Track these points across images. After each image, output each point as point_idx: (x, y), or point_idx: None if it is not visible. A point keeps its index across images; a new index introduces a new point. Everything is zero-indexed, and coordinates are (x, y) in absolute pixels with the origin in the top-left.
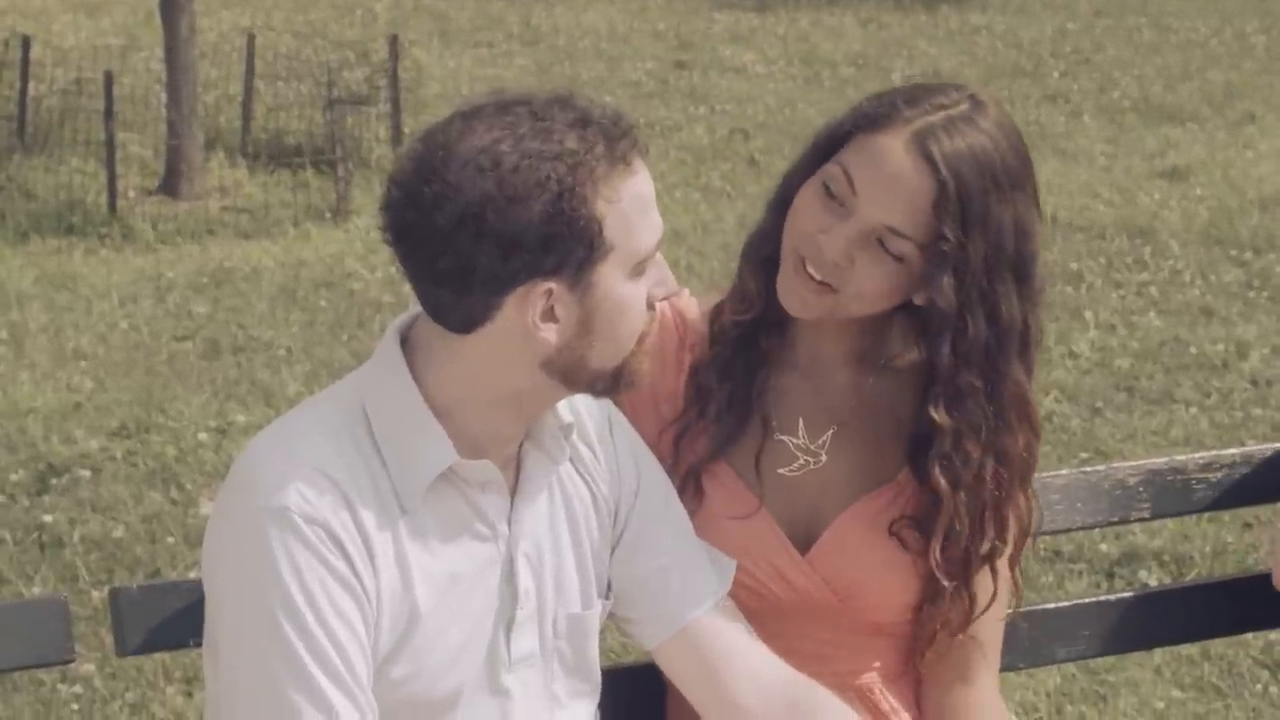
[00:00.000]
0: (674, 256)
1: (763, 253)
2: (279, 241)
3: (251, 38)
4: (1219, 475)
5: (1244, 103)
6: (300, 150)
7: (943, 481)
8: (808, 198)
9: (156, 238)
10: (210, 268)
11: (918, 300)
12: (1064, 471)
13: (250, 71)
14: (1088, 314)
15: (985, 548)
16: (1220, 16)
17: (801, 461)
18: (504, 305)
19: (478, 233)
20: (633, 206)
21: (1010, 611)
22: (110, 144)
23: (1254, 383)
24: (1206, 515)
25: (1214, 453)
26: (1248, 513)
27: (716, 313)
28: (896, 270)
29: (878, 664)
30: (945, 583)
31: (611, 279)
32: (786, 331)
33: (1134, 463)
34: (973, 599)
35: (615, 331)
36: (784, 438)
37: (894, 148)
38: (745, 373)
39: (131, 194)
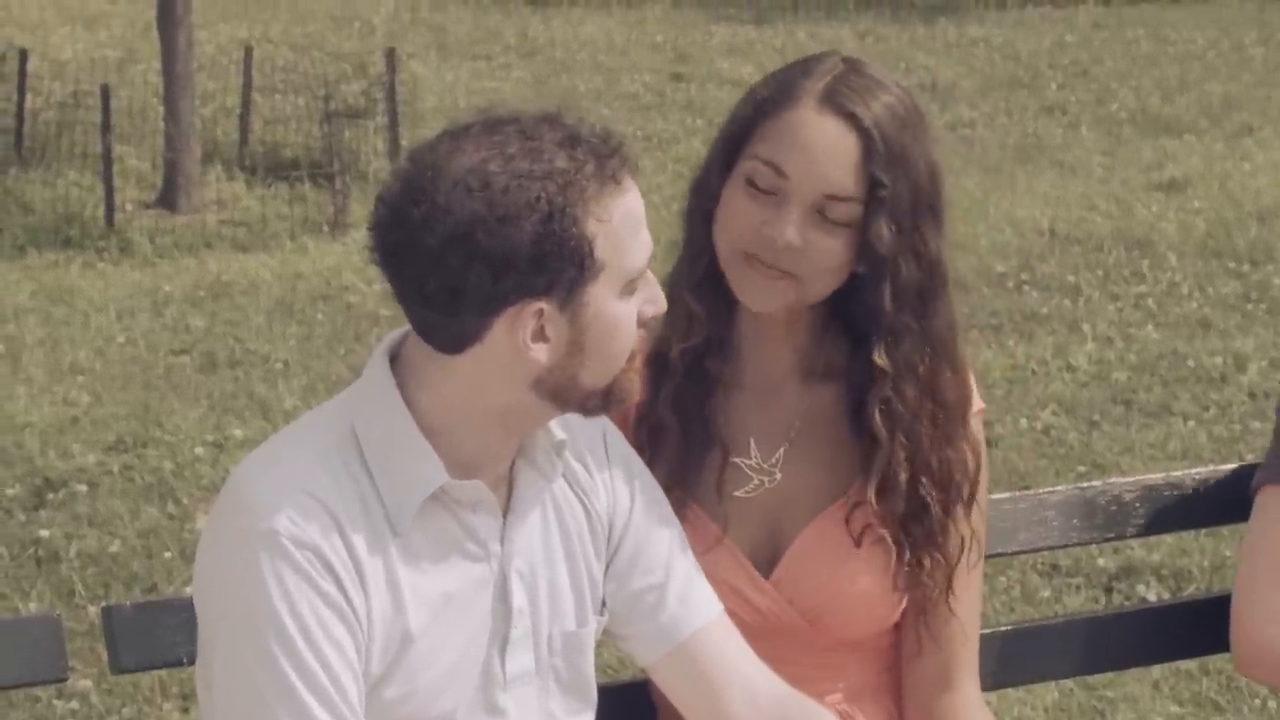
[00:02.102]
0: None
1: (697, 272)
2: (276, 255)
3: (249, 50)
4: (1216, 489)
5: (1242, 114)
6: (297, 163)
7: (881, 426)
8: (735, 200)
9: (154, 251)
10: (207, 281)
11: (859, 268)
12: (1060, 488)
13: (248, 84)
14: (1085, 327)
15: (940, 495)
16: (1218, 28)
17: (756, 482)
18: (494, 326)
19: (468, 253)
20: (624, 225)
21: (1005, 629)
22: (107, 157)
23: (1252, 395)
24: (1205, 530)
25: (1211, 467)
26: (1246, 528)
27: (659, 347)
28: (848, 235)
29: (843, 683)
30: (902, 552)
31: (603, 298)
32: (732, 352)
33: (1130, 478)
34: (945, 553)
35: (607, 350)
36: (737, 460)
37: (808, 118)
38: (697, 401)
39: (129, 207)
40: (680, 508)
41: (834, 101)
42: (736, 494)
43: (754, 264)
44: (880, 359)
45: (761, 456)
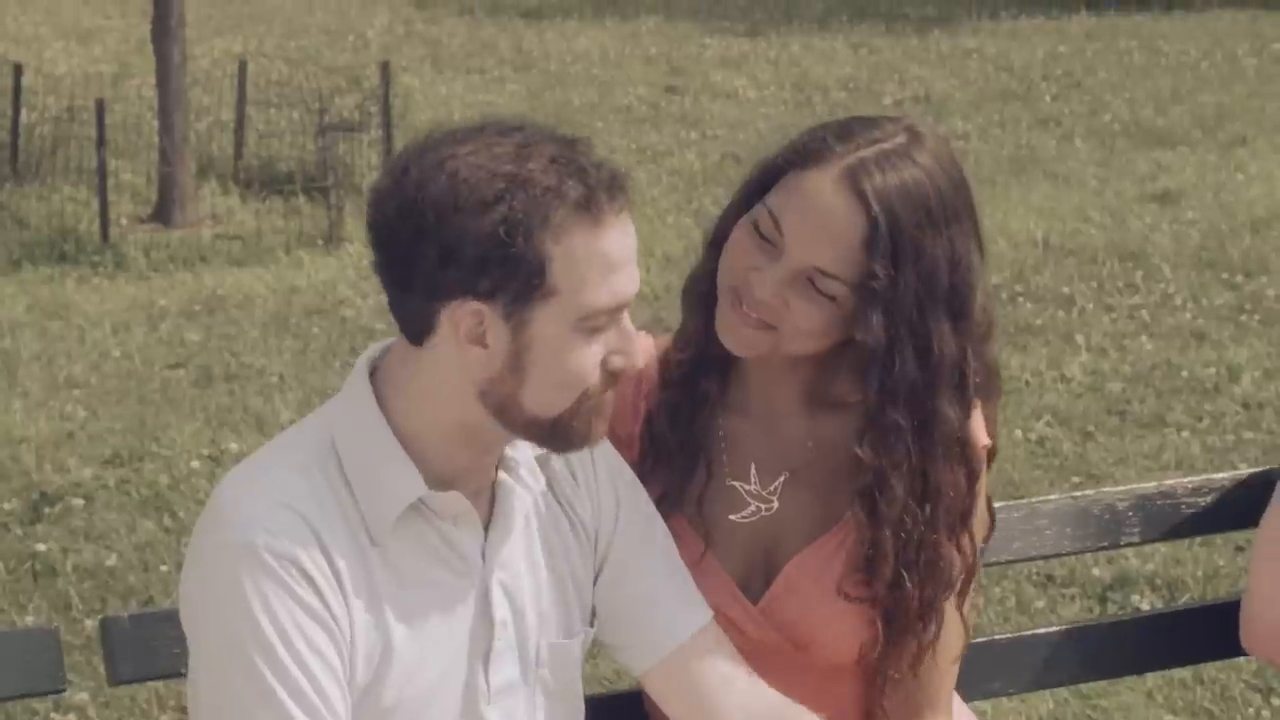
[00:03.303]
0: (666, 281)
1: (699, 290)
2: (271, 269)
3: (243, 65)
4: (1209, 499)
5: (1235, 125)
6: (292, 177)
7: (865, 518)
8: (740, 236)
9: (149, 265)
10: (203, 295)
11: (857, 336)
12: (1054, 497)
13: (242, 98)
14: (1079, 338)
15: (922, 589)
16: (1211, 39)
17: (754, 508)
18: (440, 317)
19: (417, 229)
20: (591, 261)
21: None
22: (102, 172)
23: (1245, 406)
24: (1199, 539)
25: (1204, 476)
26: (1240, 536)
27: (666, 357)
28: (831, 308)
29: (826, 706)
30: (880, 626)
31: (551, 323)
32: (733, 374)
33: (1124, 487)
34: (918, 640)
35: (550, 378)
36: (735, 483)
37: (823, 186)
38: (689, 416)
39: (124, 222)
40: (669, 524)
41: (854, 177)
42: (732, 517)
43: (737, 305)
44: (863, 452)
45: (761, 484)
